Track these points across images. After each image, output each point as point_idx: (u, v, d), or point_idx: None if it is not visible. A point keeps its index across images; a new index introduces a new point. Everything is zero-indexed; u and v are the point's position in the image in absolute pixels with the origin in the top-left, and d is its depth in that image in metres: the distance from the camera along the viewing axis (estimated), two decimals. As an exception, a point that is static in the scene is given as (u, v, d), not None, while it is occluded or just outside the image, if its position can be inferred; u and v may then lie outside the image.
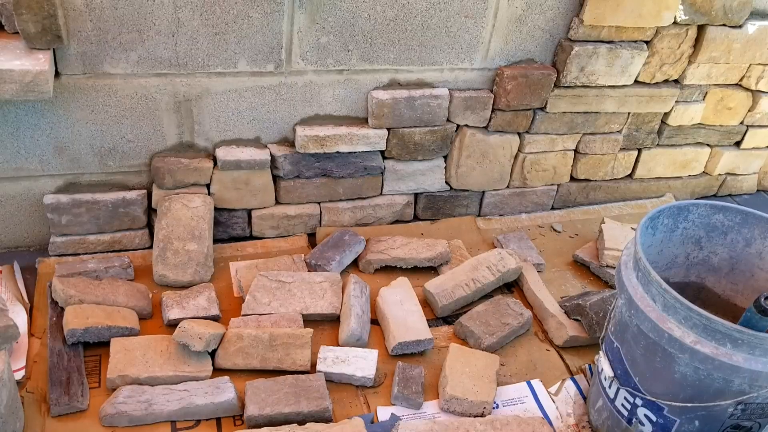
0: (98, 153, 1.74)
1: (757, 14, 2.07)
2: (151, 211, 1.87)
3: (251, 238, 2.01)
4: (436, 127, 1.97)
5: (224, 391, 1.48)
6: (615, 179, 2.34)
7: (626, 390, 1.39)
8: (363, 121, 1.92)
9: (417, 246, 1.94)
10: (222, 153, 1.82)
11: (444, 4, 1.78)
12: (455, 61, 1.89)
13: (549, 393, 1.64)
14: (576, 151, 2.20)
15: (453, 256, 1.98)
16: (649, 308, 1.27)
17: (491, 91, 1.97)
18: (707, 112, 2.25)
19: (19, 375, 1.49)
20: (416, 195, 2.13)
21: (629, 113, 2.15)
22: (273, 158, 1.87)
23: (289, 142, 1.89)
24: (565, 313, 1.81)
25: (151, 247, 1.87)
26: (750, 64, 2.17)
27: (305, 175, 1.93)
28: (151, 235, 1.88)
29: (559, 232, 2.21)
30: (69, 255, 1.83)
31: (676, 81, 2.14)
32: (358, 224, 2.09)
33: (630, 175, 2.36)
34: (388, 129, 1.92)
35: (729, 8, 1.98)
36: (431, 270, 1.95)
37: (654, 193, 2.42)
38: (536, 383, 1.66)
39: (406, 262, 1.91)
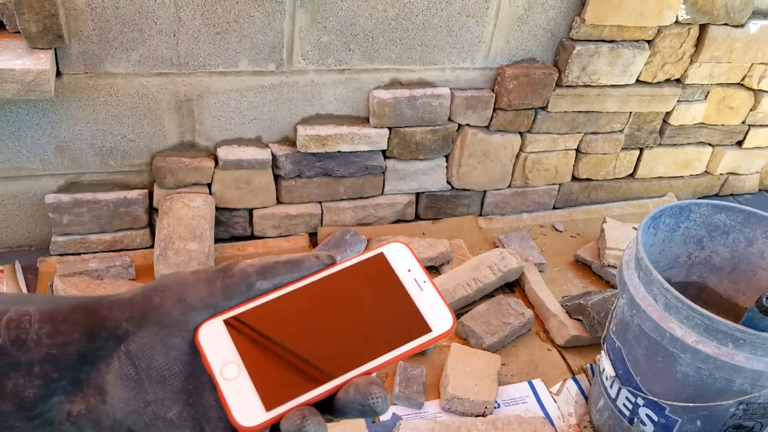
0: (99, 152, 1.74)
1: (759, 14, 2.07)
2: (152, 211, 1.87)
3: (252, 237, 2.01)
4: (437, 127, 1.97)
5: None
6: (617, 179, 2.33)
7: (628, 390, 1.39)
8: (364, 121, 1.91)
9: (418, 245, 1.94)
10: (223, 152, 1.82)
11: (445, 4, 1.77)
12: (457, 60, 1.89)
13: (550, 393, 1.64)
14: (578, 150, 2.20)
15: (454, 255, 1.97)
16: (651, 308, 1.27)
17: (493, 91, 1.97)
18: (709, 111, 2.25)
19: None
20: (418, 194, 2.13)
21: (631, 113, 2.15)
22: (274, 158, 1.87)
23: (290, 141, 1.89)
24: (567, 312, 1.80)
25: (152, 246, 1.87)
26: (752, 64, 2.17)
27: (306, 175, 1.93)
28: (153, 234, 1.88)
29: (561, 231, 2.21)
30: (70, 254, 1.83)
31: (677, 80, 2.14)
32: (359, 224, 2.08)
33: (632, 175, 2.35)
34: (390, 128, 1.92)
35: (731, 7, 1.97)
36: (432, 270, 1.95)
37: (656, 193, 2.42)
38: (538, 383, 1.66)
39: (408, 262, 1.91)
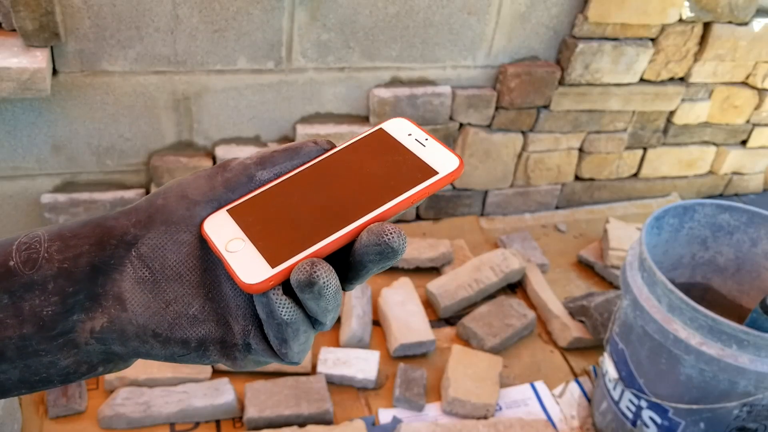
0: (96, 152, 1.73)
1: (763, 12, 2.05)
2: (150, 211, 1.86)
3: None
4: (438, 126, 1.95)
5: (224, 393, 1.47)
6: (620, 178, 2.32)
7: (631, 392, 1.37)
8: (364, 120, 1.90)
9: (419, 246, 1.93)
10: (221, 152, 1.80)
11: (447, 1, 1.76)
12: (458, 58, 1.87)
13: (553, 395, 1.63)
14: (580, 149, 2.18)
15: (456, 256, 1.96)
16: (655, 309, 1.26)
17: (494, 89, 1.95)
18: (713, 110, 2.23)
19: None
20: (418, 194, 2.11)
21: (634, 111, 2.13)
22: (273, 157, 1.85)
23: (289, 140, 1.87)
24: (570, 314, 1.79)
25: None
26: (756, 62, 2.15)
27: (306, 174, 1.91)
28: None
29: (564, 231, 2.19)
30: (68, 255, 1.81)
31: (681, 79, 2.12)
32: (359, 224, 2.07)
33: (635, 175, 2.34)
34: (390, 127, 1.90)
35: (735, 5, 1.96)
36: (434, 270, 1.93)
37: (659, 193, 2.40)
38: (540, 385, 1.64)
39: (408, 263, 1.90)
